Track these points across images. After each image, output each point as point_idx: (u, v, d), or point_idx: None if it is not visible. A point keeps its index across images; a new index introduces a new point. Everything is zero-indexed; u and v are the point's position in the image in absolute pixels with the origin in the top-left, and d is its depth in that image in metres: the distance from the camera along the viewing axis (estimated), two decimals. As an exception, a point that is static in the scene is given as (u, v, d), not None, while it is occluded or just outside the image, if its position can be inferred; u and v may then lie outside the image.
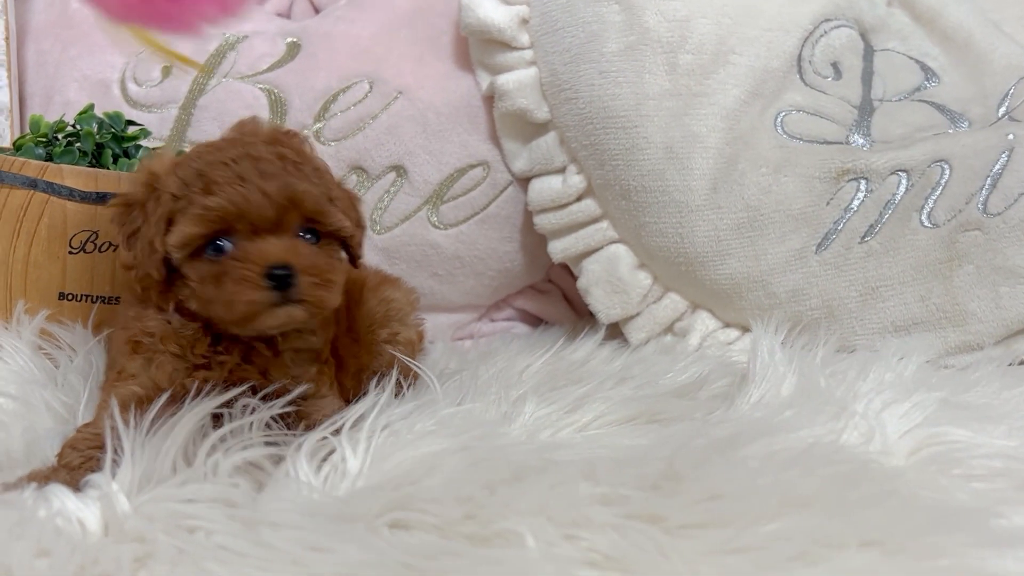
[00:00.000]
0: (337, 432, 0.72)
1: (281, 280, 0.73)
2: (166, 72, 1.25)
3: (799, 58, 1.16)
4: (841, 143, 1.12)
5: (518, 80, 1.18)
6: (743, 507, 0.58)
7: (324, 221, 0.78)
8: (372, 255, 1.21)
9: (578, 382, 0.93)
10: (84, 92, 1.25)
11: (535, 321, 1.39)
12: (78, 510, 0.60)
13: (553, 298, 1.39)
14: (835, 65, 1.18)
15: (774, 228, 1.10)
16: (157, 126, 1.22)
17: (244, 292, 0.73)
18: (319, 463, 0.71)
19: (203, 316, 0.77)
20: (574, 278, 1.38)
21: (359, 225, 0.84)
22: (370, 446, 0.71)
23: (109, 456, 0.65)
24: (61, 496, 0.61)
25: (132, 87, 1.25)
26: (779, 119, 1.13)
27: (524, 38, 1.19)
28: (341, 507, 0.62)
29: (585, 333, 1.19)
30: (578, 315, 1.39)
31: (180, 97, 1.24)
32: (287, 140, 0.81)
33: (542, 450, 0.70)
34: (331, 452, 0.72)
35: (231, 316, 0.75)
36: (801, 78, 1.16)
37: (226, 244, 0.75)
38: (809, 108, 1.14)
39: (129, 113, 1.20)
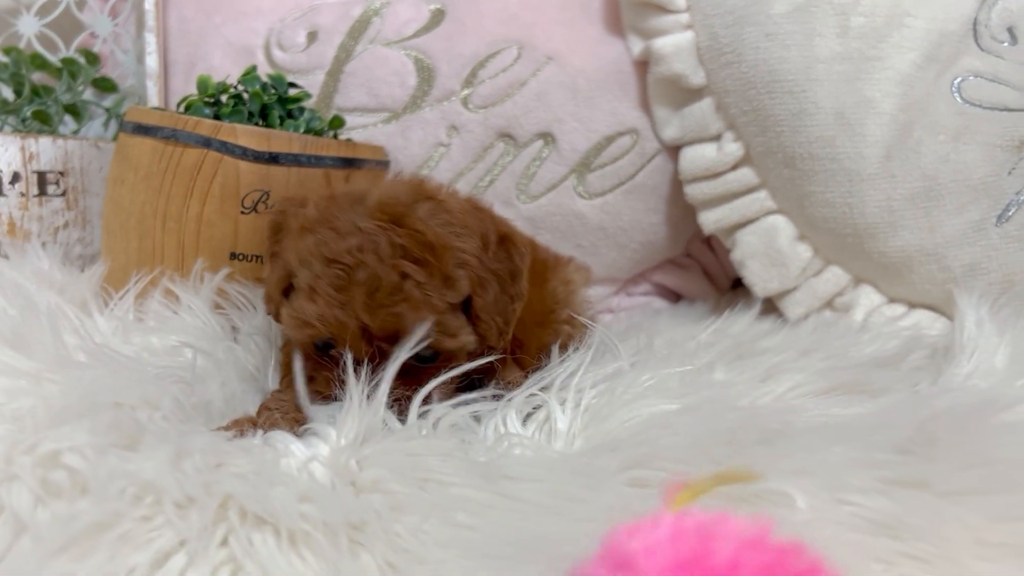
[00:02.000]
0: (544, 391, 0.70)
1: None
2: (311, 38, 1.25)
3: (975, 21, 1.11)
4: (1023, 110, 1.06)
5: (675, 44, 1.15)
6: (1017, 473, 0.54)
7: (432, 346, 0.72)
8: (518, 224, 1.19)
9: (760, 353, 0.90)
10: (228, 59, 1.25)
11: (673, 296, 1.36)
12: (308, 460, 0.59)
13: (692, 273, 1.35)
14: (1011, 30, 1.12)
15: (951, 199, 1.05)
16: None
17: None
18: (523, 420, 0.69)
19: None
20: (715, 253, 1.35)
21: (498, 312, 0.76)
22: (580, 404, 0.68)
23: (343, 407, 0.63)
24: (291, 444, 0.60)
25: (277, 53, 1.25)
26: (956, 85, 1.08)
27: (680, 1, 1.16)
28: (577, 462, 0.59)
29: (737, 308, 1.15)
30: (718, 291, 1.36)
31: (327, 63, 1.23)
32: (418, 231, 0.71)
33: (779, 413, 0.66)
34: (535, 410, 0.70)
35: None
36: (977, 43, 1.11)
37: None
38: (987, 74, 1.08)
39: (276, 79, 1.21)
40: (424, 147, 1.20)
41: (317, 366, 0.73)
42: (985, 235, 1.04)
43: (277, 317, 0.75)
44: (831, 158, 1.07)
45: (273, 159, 0.95)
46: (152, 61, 1.25)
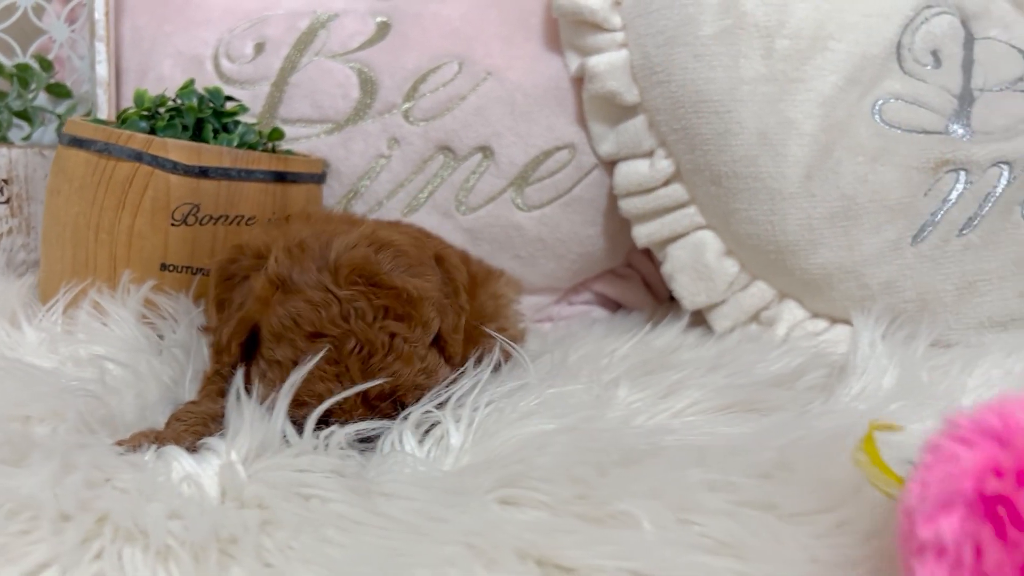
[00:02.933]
0: (441, 407, 0.73)
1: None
2: (259, 49, 1.27)
3: (898, 45, 1.14)
4: (940, 133, 1.09)
5: (609, 62, 1.18)
6: (857, 494, 0.57)
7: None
8: (456, 236, 1.22)
9: (669, 368, 0.93)
10: (178, 68, 1.28)
11: (613, 305, 1.39)
12: (197, 475, 0.62)
13: (632, 283, 1.38)
14: (935, 53, 1.16)
15: (869, 218, 1.08)
16: (249, 102, 1.23)
17: None
18: (422, 436, 0.72)
19: None
20: (654, 264, 1.38)
21: (455, 331, 0.81)
22: (473, 422, 0.71)
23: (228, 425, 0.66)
24: (180, 459, 0.63)
25: (225, 63, 1.27)
26: (877, 107, 1.11)
27: (616, 20, 1.18)
28: (452, 481, 0.62)
29: (668, 319, 1.18)
30: (657, 301, 1.39)
31: (272, 74, 1.26)
32: (394, 288, 0.74)
33: (648, 434, 0.70)
34: (434, 426, 0.73)
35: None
36: (900, 66, 1.14)
37: None
38: (908, 96, 1.11)
39: (223, 89, 1.23)
40: (365, 159, 1.23)
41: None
42: (901, 254, 1.07)
43: (228, 365, 0.76)
44: (754, 177, 1.10)
45: (203, 173, 0.97)
46: (102, 70, 1.27)
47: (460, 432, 0.71)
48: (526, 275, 1.29)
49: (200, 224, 0.98)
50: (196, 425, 0.73)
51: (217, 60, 1.28)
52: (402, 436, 0.70)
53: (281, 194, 1.04)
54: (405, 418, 0.71)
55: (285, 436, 0.68)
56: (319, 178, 1.13)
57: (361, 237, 0.77)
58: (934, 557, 0.41)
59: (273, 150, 1.10)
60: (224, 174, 0.99)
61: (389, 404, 0.73)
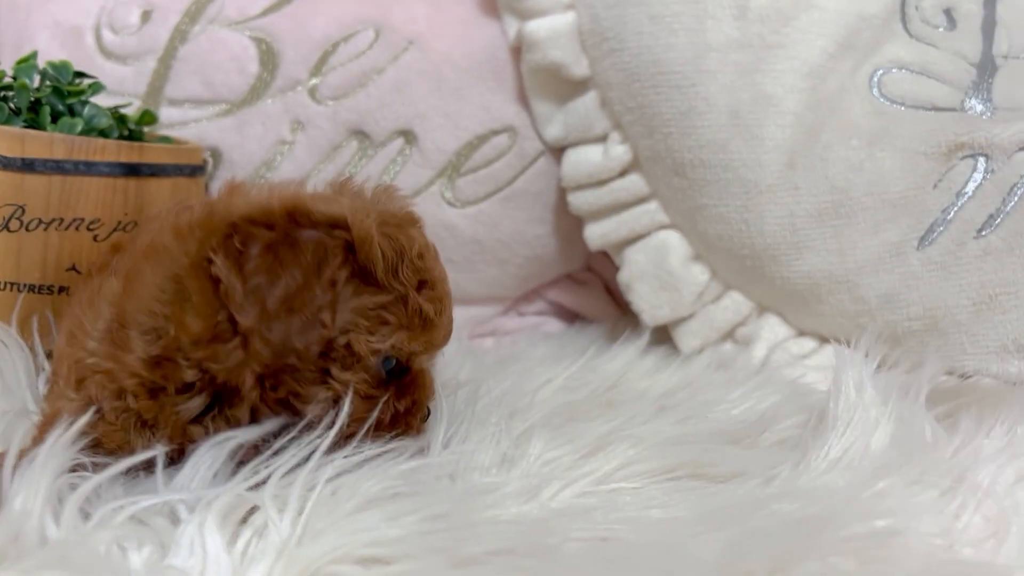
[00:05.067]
0: (261, 485, 0.53)
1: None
2: (145, 17, 1.07)
3: (903, 2, 0.93)
4: (955, 109, 0.88)
5: (551, 27, 0.97)
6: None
7: None
8: (376, 236, 1.02)
9: (608, 409, 0.73)
10: (56, 40, 1.08)
11: (571, 316, 1.19)
12: None
13: (593, 290, 1.18)
14: (948, 12, 0.95)
15: (865, 216, 0.87)
16: (133, 81, 1.05)
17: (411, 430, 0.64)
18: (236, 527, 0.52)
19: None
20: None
21: None
22: (302, 510, 0.52)
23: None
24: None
25: (107, 35, 1.07)
26: (876, 78, 0.90)
27: (560, -24, 0.98)
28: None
29: (627, 335, 0.99)
30: (621, 310, 1.18)
31: (159, 47, 1.06)
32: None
33: (545, 525, 0.50)
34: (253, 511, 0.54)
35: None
36: (905, 27, 0.93)
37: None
38: (915, 65, 0.90)
39: (102, 66, 1.04)
40: (263, 145, 1.03)
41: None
42: (904, 260, 0.87)
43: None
44: (724, 166, 0.90)
45: (28, 166, 0.78)
46: (-35, 43, 1.08)
47: (286, 524, 0.51)
48: (463, 283, 1.09)
49: (27, 230, 0.79)
50: None
51: (99, 31, 1.08)
52: (203, 526, 0.51)
53: (136, 191, 0.85)
54: (209, 504, 0.52)
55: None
56: (193, 170, 0.93)
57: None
58: None
59: (131, 137, 0.90)
60: (56, 167, 0.79)
61: None
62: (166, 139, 0.97)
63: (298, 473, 0.53)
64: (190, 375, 0.60)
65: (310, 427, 0.57)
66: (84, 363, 0.62)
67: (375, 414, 0.60)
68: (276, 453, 0.54)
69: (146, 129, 0.97)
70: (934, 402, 0.68)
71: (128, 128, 0.92)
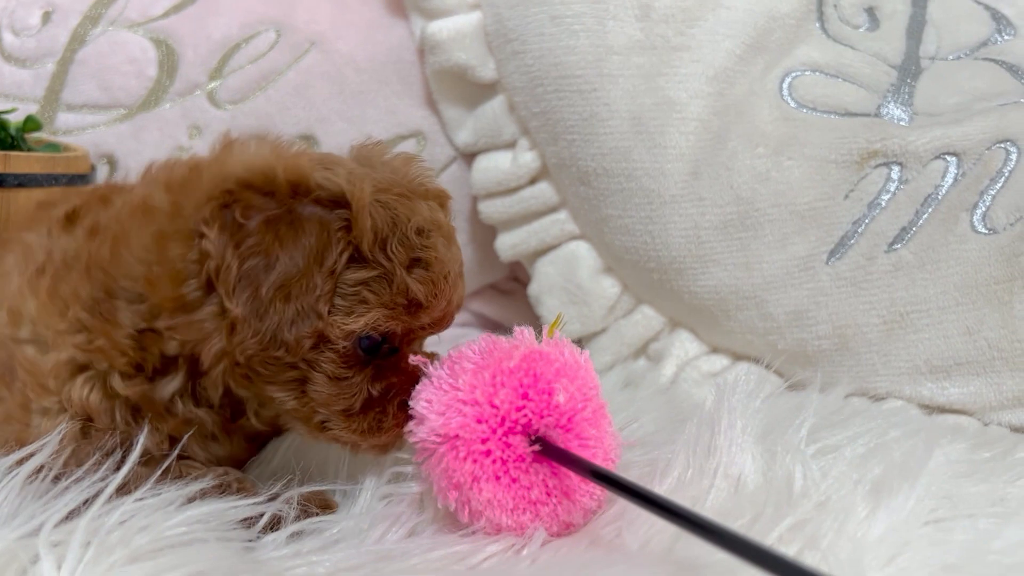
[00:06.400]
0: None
1: None
2: (45, 18, 1.03)
3: (820, 1, 0.88)
4: (869, 115, 0.84)
5: (455, 28, 0.93)
6: None
7: None
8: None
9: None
10: (-44, 43, 1.05)
11: (495, 327, 1.15)
12: None
13: (518, 301, 1.14)
14: (871, 11, 0.90)
15: (772, 228, 0.82)
16: (32, 85, 1.01)
17: (398, 420, 0.58)
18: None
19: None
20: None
21: None
22: (84, 559, 0.48)
23: None
24: None
25: (8, 37, 1.03)
26: (787, 82, 0.85)
27: (465, -26, 0.94)
28: None
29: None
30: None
31: (58, 49, 1.02)
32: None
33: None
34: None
35: (362, 442, 0.58)
36: (823, 27, 0.88)
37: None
38: (829, 68, 0.86)
39: (1, 70, 1.00)
40: (160, 151, 0.98)
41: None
42: (813, 275, 0.82)
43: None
44: (627, 175, 0.85)
45: None
46: None
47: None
48: (375, 293, 1.04)
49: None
50: None
51: None
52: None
53: (1, 203, 0.81)
54: None
55: None
56: (73, 179, 0.88)
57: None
58: None
59: (11, 144, 0.86)
60: (-91, 178, 0.75)
61: None
62: (54, 146, 0.93)
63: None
64: (172, 347, 0.57)
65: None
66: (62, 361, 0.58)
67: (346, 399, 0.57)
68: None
69: (38, 135, 0.94)
70: (816, 435, 0.63)
71: (9, 135, 0.88)
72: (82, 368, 0.58)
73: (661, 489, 0.58)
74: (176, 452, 0.56)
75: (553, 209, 0.94)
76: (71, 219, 0.64)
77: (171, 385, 0.59)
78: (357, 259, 0.54)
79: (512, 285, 1.14)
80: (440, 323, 0.60)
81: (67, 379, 0.58)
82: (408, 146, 1.00)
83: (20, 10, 1.04)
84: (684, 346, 0.90)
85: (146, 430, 0.56)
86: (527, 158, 0.93)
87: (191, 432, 0.59)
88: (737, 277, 0.84)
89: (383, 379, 0.58)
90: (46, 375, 0.58)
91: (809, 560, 0.48)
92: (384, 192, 0.56)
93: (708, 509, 0.55)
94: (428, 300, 0.56)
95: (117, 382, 0.58)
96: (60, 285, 0.59)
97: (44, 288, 0.60)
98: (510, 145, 0.95)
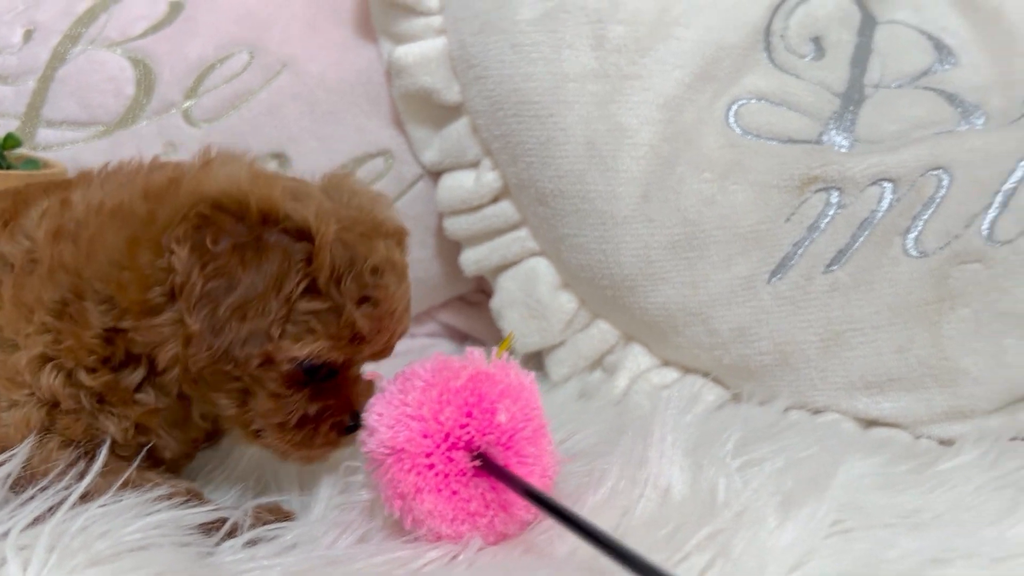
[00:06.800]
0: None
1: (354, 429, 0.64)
2: (27, 36, 1.07)
3: (768, 31, 0.92)
4: (810, 142, 0.88)
5: (420, 53, 0.97)
6: None
7: None
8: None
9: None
10: (-61, 59, 1.08)
11: (463, 338, 1.19)
12: None
13: (485, 312, 1.17)
14: (817, 40, 0.94)
15: (717, 249, 0.86)
16: (13, 101, 1.04)
17: (329, 439, 0.64)
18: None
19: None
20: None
21: None
22: (48, 562, 0.51)
23: None
24: None
25: (-9, 54, 1.07)
26: (733, 110, 0.89)
27: (432, 1, 0.97)
28: None
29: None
30: (512, 332, 1.18)
31: (39, 67, 1.05)
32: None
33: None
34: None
35: (291, 452, 0.63)
36: (769, 57, 0.92)
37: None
38: (774, 96, 0.90)
39: (-16, 86, 1.04)
40: (137, 169, 1.02)
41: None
42: (755, 294, 0.86)
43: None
44: (582, 196, 0.90)
45: None
46: None
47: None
48: (345, 305, 1.08)
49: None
50: None
51: (-18, 50, 1.08)
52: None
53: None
54: None
55: None
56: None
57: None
58: None
59: (-4, 163, 0.90)
60: None
61: None
62: (34, 162, 0.96)
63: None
64: (137, 346, 0.61)
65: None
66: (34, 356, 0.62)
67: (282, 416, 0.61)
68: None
69: (19, 151, 0.97)
70: (745, 446, 0.67)
71: (-11, 152, 0.92)
72: (51, 359, 0.62)
73: (595, 498, 0.62)
74: (139, 458, 0.60)
75: (514, 227, 0.98)
76: (4, 223, 0.68)
77: (133, 376, 0.63)
78: (312, 290, 0.58)
79: (479, 297, 1.18)
80: (380, 354, 0.64)
81: (37, 371, 0.62)
82: (376, 164, 1.04)
83: (2, 28, 1.08)
84: (637, 359, 0.94)
85: (112, 423, 0.62)
86: (489, 178, 0.97)
87: (156, 420, 0.64)
88: (684, 295, 0.88)
89: (320, 400, 0.62)
90: (20, 371, 0.62)
91: (720, 568, 0.52)
92: (347, 231, 0.60)
93: (637, 518, 0.60)
94: (371, 335, 0.60)
95: (84, 376, 0.62)
96: (22, 292, 0.63)
97: (7, 296, 0.63)
98: (474, 165, 0.99)
